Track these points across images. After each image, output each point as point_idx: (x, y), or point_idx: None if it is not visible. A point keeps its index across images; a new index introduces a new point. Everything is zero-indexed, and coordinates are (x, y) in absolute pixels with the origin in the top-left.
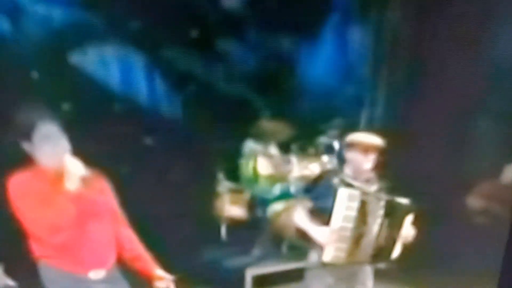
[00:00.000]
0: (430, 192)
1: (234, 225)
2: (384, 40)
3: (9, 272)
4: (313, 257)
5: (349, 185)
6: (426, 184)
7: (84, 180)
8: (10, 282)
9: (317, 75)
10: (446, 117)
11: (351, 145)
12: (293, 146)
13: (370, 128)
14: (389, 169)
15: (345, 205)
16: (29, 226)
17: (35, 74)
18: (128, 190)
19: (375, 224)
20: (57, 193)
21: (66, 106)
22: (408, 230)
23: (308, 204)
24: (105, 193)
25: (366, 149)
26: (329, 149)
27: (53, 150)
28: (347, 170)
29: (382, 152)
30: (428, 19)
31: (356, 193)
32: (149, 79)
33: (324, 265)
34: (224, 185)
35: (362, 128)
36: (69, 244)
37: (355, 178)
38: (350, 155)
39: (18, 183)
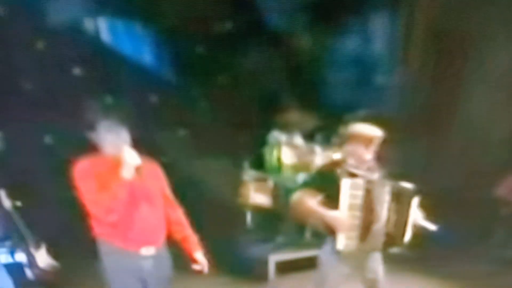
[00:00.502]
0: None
1: (259, 212)
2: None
3: (51, 252)
4: (327, 247)
5: (352, 174)
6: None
7: (138, 169)
8: (53, 262)
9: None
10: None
11: (352, 137)
12: (318, 136)
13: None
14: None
15: (349, 194)
16: (88, 206)
17: None
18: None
19: (383, 210)
20: (114, 179)
21: None
22: (416, 214)
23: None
24: (157, 179)
25: (366, 140)
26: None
27: (115, 140)
28: (350, 161)
29: (383, 143)
30: None
31: (359, 182)
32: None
33: (338, 253)
34: (249, 173)
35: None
36: (123, 223)
37: (357, 168)
38: (351, 146)
39: (82, 168)
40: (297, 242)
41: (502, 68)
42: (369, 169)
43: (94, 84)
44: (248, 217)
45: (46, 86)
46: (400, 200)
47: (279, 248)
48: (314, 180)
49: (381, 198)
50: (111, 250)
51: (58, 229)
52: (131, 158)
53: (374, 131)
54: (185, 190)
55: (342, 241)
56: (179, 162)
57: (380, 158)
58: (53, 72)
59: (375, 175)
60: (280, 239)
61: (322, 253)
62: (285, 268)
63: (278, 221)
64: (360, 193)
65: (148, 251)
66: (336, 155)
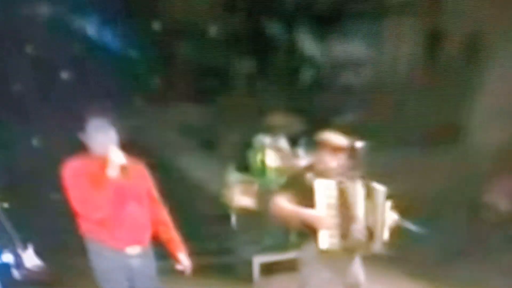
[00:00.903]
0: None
1: (244, 214)
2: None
3: (38, 253)
4: (309, 250)
5: (324, 175)
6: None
7: (124, 168)
8: (39, 262)
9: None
10: None
11: (320, 144)
12: (302, 140)
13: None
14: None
15: (324, 194)
16: (75, 204)
17: None
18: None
19: (360, 209)
20: (101, 177)
21: None
22: (389, 215)
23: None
24: (143, 179)
25: (333, 148)
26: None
27: (103, 140)
28: (318, 167)
29: (351, 151)
30: None
31: (331, 182)
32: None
33: (320, 256)
34: (234, 176)
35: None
36: (110, 222)
37: (325, 174)
38: (320, 153)
39: (71, 167)
40: (281, 244)
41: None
42: (338, 174)
43: (82, 85)
44: (233, 219)
45: (34, 87)
46: (372, 199)
47: (264, 249)
48: (289, 184)
49: (355, 197)
50: (98, 249)
51: (47, 230)
52: (116, 157)
53: (340, 140)
54: (170, 191)
55: (325, 240)
56: (165, 162)
57: (357, 162)
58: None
59: (347, 177)
60: (265, 241)
61: (303, 257)
62: (269, 269)
63: (263, 223)
64: (334, 193)
65: (134, 250)
66: (304, 161)
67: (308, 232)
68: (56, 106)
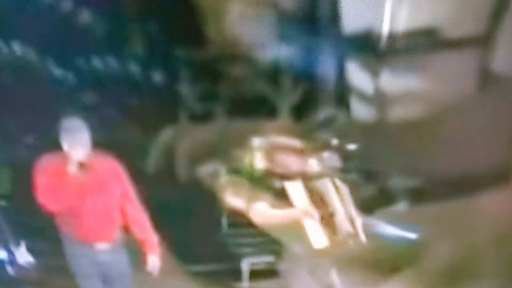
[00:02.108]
0: None
1: (235, 216)
2: None
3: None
4: (293, 252)
5: (290, 178)
6: None
7: (84, 165)
8: (30, 259)
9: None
10: None
11: (276, 148)
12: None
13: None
14: None
15: (296, 195)
16: (37, 195)
17: None
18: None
19: (336, 203)
20: (62, 172)
21: None
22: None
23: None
24: (115, 178)
25: (286, 151)
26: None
27: (73, 139)
28: (278, 169)
29: (305, 152)
30: None
31: (297, 183)
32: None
33: (301, 261)
34: (226, 177)
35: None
36: (72, 216)
37: (285, 176)
38: (273, 156)
39: (41, 162)
40: (271, 245)
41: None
42: (301, 175)
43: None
44: (224, 220)
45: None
46: (341, 195)
47: (254, 251)
48: (261, 191)
49: (327, 193)
50: (70, 243)
51: (40, 228)
52: (75, 154)
53: (294, 143)
54: (160, 191)
55: (316, 239)
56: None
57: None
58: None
59: (311, 177)
60: (255, 242)
61: (286, 262)
62: (259, 271)
63: (253, 225)
64: (303, 192)
65: (102, 245)
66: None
67: (296, 237)
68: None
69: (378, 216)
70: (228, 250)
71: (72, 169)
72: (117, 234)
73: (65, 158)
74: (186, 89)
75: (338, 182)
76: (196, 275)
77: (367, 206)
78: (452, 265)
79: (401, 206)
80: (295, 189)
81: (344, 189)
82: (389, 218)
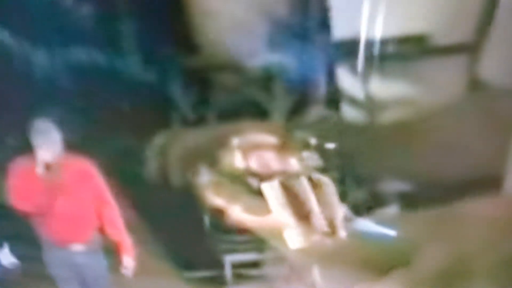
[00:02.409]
0: None
1: (217, 215)
2: None
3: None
4: (272, 252)
5: (269, 177)
6: None
7: (51, 166)
8: (14, 260)
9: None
10: None
11: (250, 146)
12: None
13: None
14: None
15: (273, 196)
16: (9, 196)
17: None
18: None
19: (312, 202)
20: (32, 174)
21: None
22: (338, 206)
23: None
24: (87, 179)
25: (263, 148)
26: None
27: (46, 142)
28: (255, 168)
29: (284, 150)
30: None
31: (274, 183)
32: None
33: (282, 258)
34: (207, 177)
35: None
36: (44, 218)
37: (263, 175)
38: (250, 154)
39: (14, 163)
40: (254, 243)
41: None
42: (278, 173)
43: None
44: (206, 220)
45: None
46: (321, 192)
47: (236, 250)
48: (237, 192)
49: (303, 192)
50: (47, 245)
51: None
52: (41, 155)
53: (269, 139)
54: (142, 190)
55: (293, 240)
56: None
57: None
58: None
59: (289, 175)
60: (237, 240)
61: (267, 259)
62: (242, 269)
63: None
64: (279, 192)
65: (77, 247)
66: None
67: (273, 237)
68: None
69: (370, 218)
70: (212, 251)
71: (39, 170)
72: (93, 235)
73: (36, 159)
74: (178, 96)
75: (324, 180)
76: (187, 280)
77: (356, 209)
78: (445, 268)
79: (391, 210)
80: (272, 190)
81: (328, 188)
82: (380, 220)
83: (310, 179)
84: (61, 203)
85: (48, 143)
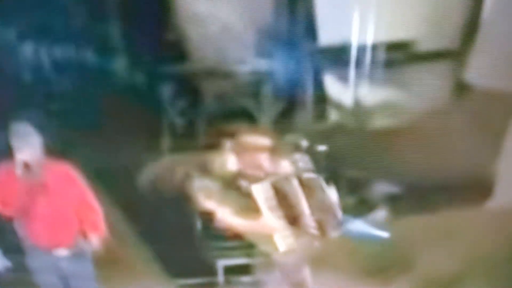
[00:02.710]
0: None
1: (209, 218)
2: None
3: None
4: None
5: (260, 179)
6: None
7: (39, 168)
8: (8, 263)
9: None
10: None
11: (243, 148)
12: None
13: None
14: None
15: (263, 198)
16: None
17: None
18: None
19: (302, 202)
20: (12, 177)
21: None
22: (333, 198)
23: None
24: (67, 182)
25: (256, 149)
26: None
27: (25, 146)
28: (248, 170)
29: (275, 152)
30: None
31: (265, 184)
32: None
33: (271, 260)
34: (198, 180)
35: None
36: (25, 221)
37: (255, 176)
38: (242, 156)
39: None
40: (246, 247)
41: None
42: (269, 174)
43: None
44: (198, 223)
45: None
46: (311, 191)
47: (229, 253)
48: (226, 195)
49: (293, 192)
50: (30, 247)
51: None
52: (21, 156)
53: (263, 141)
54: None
55: (281, 243)
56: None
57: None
58: None
59: (280, 176)
60: (229, 244)
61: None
62: (233, 276)
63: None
64: (270, 194)
65: (61, 252)
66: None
67: (263, 241)
68: None
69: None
70: (204, 258)
71: (19, 171)
72: (76, 240)
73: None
74: (166, 101)
75: (315, 181)
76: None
77: (346, 212)
78: (444, 274)
79: (381, 213)
80: (262, 192)
81: (315, 182)
82: (371, 223)
83: (300, 181)
84: (41, 205)
85: (27, 146)
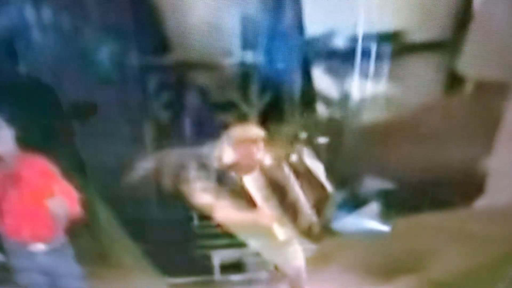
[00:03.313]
0: None
1: (205, 211)
2: None
3: None
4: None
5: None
6: None
7: (11, 160)
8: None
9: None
10: None
11: (237, 141)
12: None
13: None
14: None
15: (256, 188)
16: None
17: None
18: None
19: (296, 189)
20: None
21: None
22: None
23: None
24: (40, 174)
25: (252, 141)
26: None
27: None
28: (242, 161)
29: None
30: None
31: (255, 174)
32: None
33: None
34: (194, 173)
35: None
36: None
37: (250, 164)
38: (238, 148)
39: None
40: (240, 246)
41: None
42: (261, 164)
43: None
44: (194, 217)
45: None
46: (305, 174)
47: (225, 247)
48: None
49: (285, 178)
50: (9, 244)
51: None
52: None
53: (256, 132)
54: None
55: (280, 231)
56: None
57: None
58: None
59: (271, 165)
60: (225, 238)
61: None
62: (230, 266)
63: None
64: (262, 183)
65: (36, 247)
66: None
67: (261, 234)
68: None
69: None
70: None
71: None
72: (53, 235)
73: None
74: (151, 94)
75: (313, 165)
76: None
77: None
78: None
79: (372, 208)
80: (254, 182)
81: (317, 173)
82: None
83: (295, 168)
84: (14, 197)
85: (5, 139)
